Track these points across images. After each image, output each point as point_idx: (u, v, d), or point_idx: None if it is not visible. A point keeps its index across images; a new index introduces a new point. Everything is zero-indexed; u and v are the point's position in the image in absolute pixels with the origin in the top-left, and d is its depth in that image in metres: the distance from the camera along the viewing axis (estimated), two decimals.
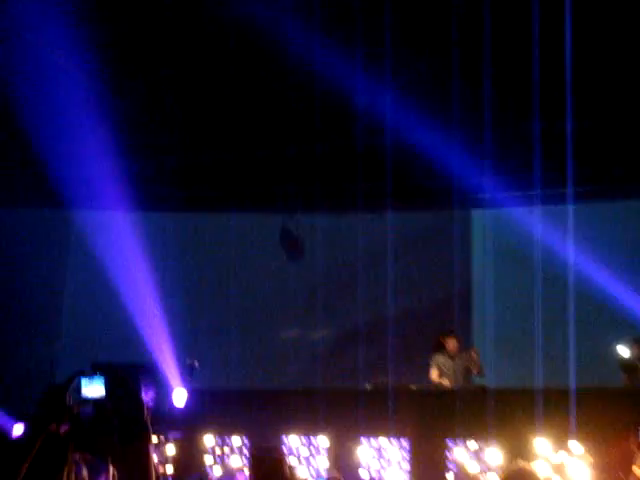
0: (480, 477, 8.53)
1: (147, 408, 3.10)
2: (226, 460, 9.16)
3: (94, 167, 9.78)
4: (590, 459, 8.41)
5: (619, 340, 9.76)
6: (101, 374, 3.05)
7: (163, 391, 9.30)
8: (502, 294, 11.88)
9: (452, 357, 10.09)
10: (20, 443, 2.72)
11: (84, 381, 3.04)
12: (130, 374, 3.16)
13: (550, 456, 8.50)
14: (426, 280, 12.23)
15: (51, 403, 2.78)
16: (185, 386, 9.46)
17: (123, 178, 10.02)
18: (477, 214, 12.58)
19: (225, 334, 11.76)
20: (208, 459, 9.16)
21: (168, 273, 11.04)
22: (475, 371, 10.05)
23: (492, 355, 11.19)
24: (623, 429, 8.52)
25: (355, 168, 10.04)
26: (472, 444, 8.66)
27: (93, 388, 3.02)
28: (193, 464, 9.18)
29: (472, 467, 8.64)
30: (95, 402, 2.99)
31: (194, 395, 9.43)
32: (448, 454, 8.76)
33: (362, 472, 8.81)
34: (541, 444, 8.52)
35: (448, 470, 8.72)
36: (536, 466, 8.20)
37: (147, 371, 9.01)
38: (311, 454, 9.02)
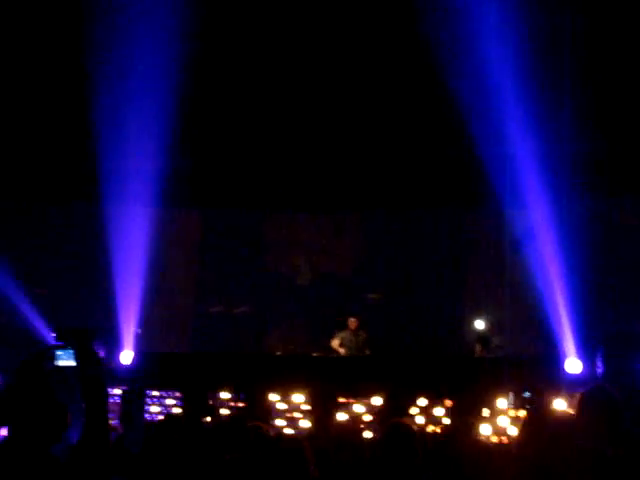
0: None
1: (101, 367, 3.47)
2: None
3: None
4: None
5: (477, 316, 11.87)
6: (70, 346, 3.46)
7: (114, 351, 10.83)
8: None
9: (354, 334, 12.02)
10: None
11: (58, 353, 3.52)
12: (88, 339, 3.76)
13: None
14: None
15: (30, 367, 3.33)
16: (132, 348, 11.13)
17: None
18: None
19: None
20: None
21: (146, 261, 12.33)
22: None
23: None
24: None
25: None
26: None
27: (64, 360, 3.50)
28: None
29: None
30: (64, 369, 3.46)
31: (139, 356, 11.06)
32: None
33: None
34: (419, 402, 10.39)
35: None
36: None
37: (100, 335, 10.46)
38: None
